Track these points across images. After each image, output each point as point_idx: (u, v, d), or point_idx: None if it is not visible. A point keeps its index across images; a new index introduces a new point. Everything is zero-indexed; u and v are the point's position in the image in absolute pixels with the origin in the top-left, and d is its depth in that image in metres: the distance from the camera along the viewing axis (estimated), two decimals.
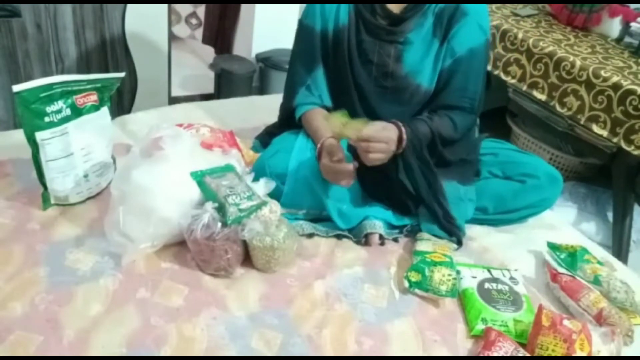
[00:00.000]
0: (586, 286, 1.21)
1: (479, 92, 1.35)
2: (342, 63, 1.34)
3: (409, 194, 1.33)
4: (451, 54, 1.30)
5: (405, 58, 1.31)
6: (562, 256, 1.32)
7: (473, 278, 1.22)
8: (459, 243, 1.34)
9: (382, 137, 1.17)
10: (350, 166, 1.18)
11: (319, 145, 1.27)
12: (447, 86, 1.32)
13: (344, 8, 1.31)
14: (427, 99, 1.35)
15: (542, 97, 2.07)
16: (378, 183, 1.34)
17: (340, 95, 1.37)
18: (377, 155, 1.16)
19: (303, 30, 1.37)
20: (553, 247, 1.36)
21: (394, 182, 1.31)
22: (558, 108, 2.01)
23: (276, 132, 1.48)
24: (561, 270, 1.27)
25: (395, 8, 1.29)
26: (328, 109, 1.38)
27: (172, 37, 2.29)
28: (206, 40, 3.00)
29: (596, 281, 1.23)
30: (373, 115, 1.32)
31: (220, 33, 2.91)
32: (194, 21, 3.07)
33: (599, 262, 1.31)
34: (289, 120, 1.43)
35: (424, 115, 1.32)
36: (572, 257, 1.30)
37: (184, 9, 3.05)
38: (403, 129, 1.22)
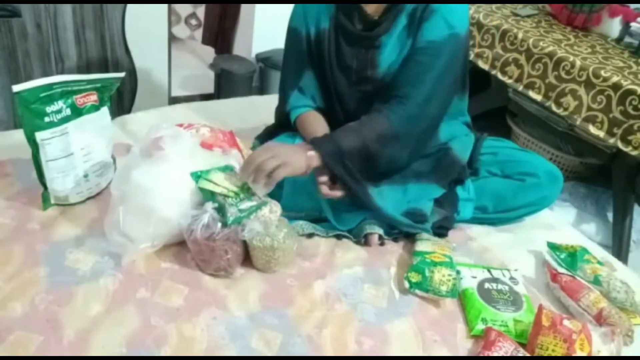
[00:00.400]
0: (586, 286, 1.21)
1: (432, 87, 1.25)
2: (323, 67, 1.34)
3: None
4: (411, 45, 1.27)
5: (380, 61, 1.30)
6: (562, 256, 1.32)
7: (473, 278, 1.22)
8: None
9: (257, 154, 1.14)
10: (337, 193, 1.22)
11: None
12: (399, 75, 1.28)
13: (324, 12, 1.31)
14: None
15: (538, 97, 2.07)
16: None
17: (326, 98, 1.38)
18: (278, 171, 1.12)
19: (290, 33, 1.37)
20: (553, 247, 1.36)
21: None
22: (554, 108, 2.01)
23: (275, 133, 1.48)
24: (561, 270, 1.27)
25: (372, 12, 1.28)
26: (322, 111, 1.38)
27: (171, 38, 2.29)
28: (206, 40, 3.00)
29: (596, 281, 1.23)
30: (353, 118, 1.30)
31: (220, 33, 2.91)
32: (193, 22, 3.07)
33: (599, 262, 1.31)
34: (285, 123, 1.44)
35: (353, 123, 1.26)
36: (572, 257, 1.30)
37: (184, 9, 3.05)
38: (311, 145, 1.19)
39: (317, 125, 1.34)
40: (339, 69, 1.33)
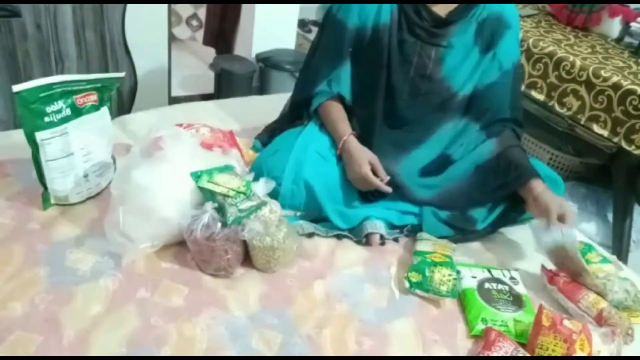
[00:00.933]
0: (585, 287, 1.21)
1: (520, 102, 1.39)
2: (378, 62, 1.32)
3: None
4: (499, 67, 1.32)
5: (445, 61, 1.31)
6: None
7: (473, 278, 1.22)
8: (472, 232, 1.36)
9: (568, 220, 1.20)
10: (390, 189, 1.25)
11: (340, 144, 1.30)
12: (498, 100, 1.34)
13: (386, 7, 1.30)
14: (455, 104, 1.35)
15: (541, 97, 2.07)
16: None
17: (365, 93, 1.36)
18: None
19: (333, 24, 1.35)
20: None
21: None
22: (557, 108, 2.01)
23: (276, 129, 1.47)
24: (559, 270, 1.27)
25: (441, 11, 1.29)
26: (346, 107, 1.38)
27: (172, 38, 2.29)
28: (207, 41, 3.00)
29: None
30: (394, 115, 1.34)
31: (221, 34, 2.91)
32: (194, 23, 3.07)
33: (604, 260, 1.29)
34: (298, 113, 1.43)
35: (514, 144, 1.33)
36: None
37: (185, 10, 3.05)
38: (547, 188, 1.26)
39: (342, 116, 1.35)
40: (399, 62, 1.32)
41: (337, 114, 1.34)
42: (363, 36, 1.33)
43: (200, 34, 3.06)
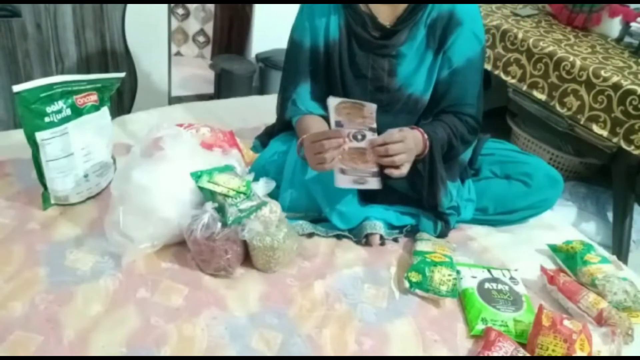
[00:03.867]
0: (585, 287, 1.21)
1: (477, 98, 1.34)
2: (334, 78, 1.32)
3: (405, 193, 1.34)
4: (448, 64, 1.29)
5: (398, 71, 1.30)
6: (562, 258, 1.32)
7: (473, 278, 1.22)
8: (446, 225, 1.35)
9: (395, 137, 1.15)
10: (337, 132, 1.13)
11: (299, 142, 1.25)
12: (446, 96, 1.32)
13: (334, 22, 1.29)
14: (419, 108, 1.34)
15: (542, 97, 2.07)
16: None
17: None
18: (400, 156, 1.14)
19: (291, 44, 1.36)
20: (554, 248, 1.36)
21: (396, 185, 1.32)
22: (558, 108, 2.01)
23: (275, 133, 1.48)
24: (559, 271, 1.27)
25: (386, 20, 1.27)
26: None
27: (177, 55, 2.25)
28: (215, 56, 2.96)
29: (593, 284, 1.22)
30: None
31: (229, 47, 2.88)
32: (201, 39, 3.01)
33: (603, 260, 1.28)
34: (286, 126, 1.43)
35: (438, 119, 1.31)
36: (572, 258, 1.29)
37: (191, 27, 2.99)
38: (424, 132, 1.22)
39: (315, 123, 1.31)
40: (353, 77, 1.31)
41: (305, 124, 1.30)
42: (318, 54, 1.32)
43: (207, 50, 3.00)
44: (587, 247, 1.32)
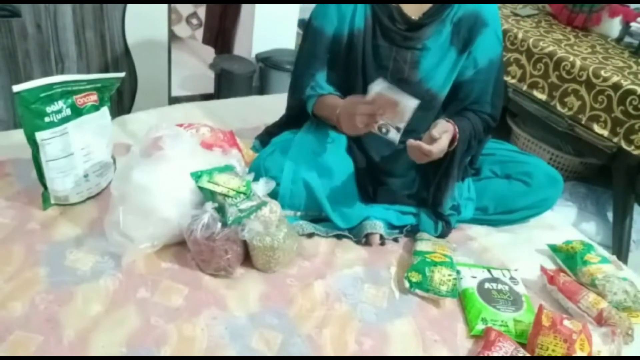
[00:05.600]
0: (585, 287, 1.21)
1: (498, 99, 1.38)
2: (354, 68, 1.32)
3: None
4: (474, 65, 1.32)
5: (421, 64, 1.31)
6: (562, 258, 1.32)
7: (473, 278, 1.22)
8: (447, 225, 1.36)
9: (442, 143, 1.17)
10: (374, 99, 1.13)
11: (337, 111, 1.24)
12: (469, 96, 1.34)
13: (360, 12, 1.29)
14: (435, 104, 1.35)
15: (543, 97, 2.07)
16: (378, 183, 1.34)
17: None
18: (437, 154, 1.16)
19: (311, 31, 1.35)
20: (554, 248, 1.36)
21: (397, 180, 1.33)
22: (559, 108, 2.01)
23: (276, 132, 1.48)
24: (559, 271, 1.27)
25: (413, 14, 1.28)
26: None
27: (172, 37, 2.28)
28: (206, 40, 2.99)
29: (593, 284, 1.22)
30: None
31: (220, 33, 2.90)
32: (194, 21, 3.06)
33: (603, 260, 1.28)
34: (295, 119, 1.43)
35: (463, 115, 1.32)
36: (572, 258, 1.30)
37: (185, 9, 3.05)
38: (456, 127, 1.24)
39: (337, 100, 1.30)
40: (375, 68, 1.31)
41: (330, 101, 1.30)
42: (340, 42, 1.32)
43: (200, 33, 3.05)
44: (587, 247, 1.32)
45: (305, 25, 1.39)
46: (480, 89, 1.34)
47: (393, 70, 1.31)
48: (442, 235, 1.36)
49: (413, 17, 1.28)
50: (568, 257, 1.31)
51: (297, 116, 1.44)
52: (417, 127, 1.28)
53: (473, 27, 1.29)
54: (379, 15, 1.28)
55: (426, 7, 1.28)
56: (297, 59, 1.42)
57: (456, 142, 1.25)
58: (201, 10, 3.01)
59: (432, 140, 1.15)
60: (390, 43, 1.30)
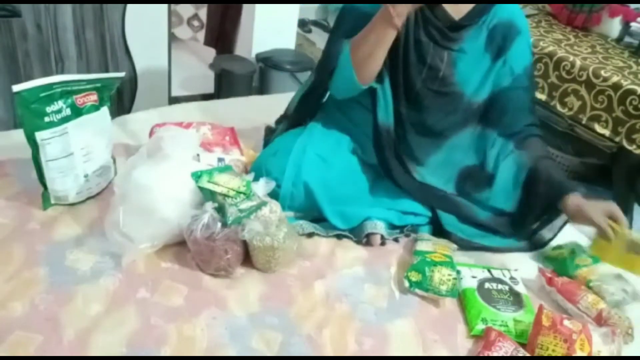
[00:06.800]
0: (583, 287, 1.21)
1: (535, 106, 1.40)
2: (396, 56, 1.29)
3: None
4: (510, 72, 1.32)
5: (458, 66, 1.31)
6: (556, 267, 1.31)
7: (473, 278, 1.22)
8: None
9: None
10: None
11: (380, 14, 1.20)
12: (515, 105, 1.35)
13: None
14: (467, 110, 1.35)
15: (543, 97, 2.07)
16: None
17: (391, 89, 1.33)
18: None
19: (354, 12, 1.30)
20: (548, 259, 1.35)
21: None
22: (559, 108, 2.01)
23: (276, 129, 1.47)
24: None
25: (453, 12, 1.28)
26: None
27: (172, 39, 2.28)
28: (208, 42, 2.99)
29: (589, 287, 1.22)
30: (415, 116, 1.34)
31: (222, 35, 2.90)
32: (196, 23, 3.06)
33: (595, 260, 1.27)
34: (314, 103, 1.42)
35: (545, 156, 1.35)
36: (563, 264, 1.29)
37: (186, 10, 3.04)
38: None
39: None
40: (416, 59, 1.30)
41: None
42: None
43: (201, 35, 3.05)
44: (576, 250, 1.31)
45: (343, 8, 1.35)
46: (519, 98, 1.35)
47: (430, 67, 1.31)
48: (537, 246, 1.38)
49: (454, 16, 1.28)
50: (560, 264, 1.30)
51: (305, 112, 1.43)
52: (444, 129, 1.28)
53: (507, 34, 1.30)
54: (424, 10, 1.27)
55: (466, 9, 1.28)
56: (330, 40, 1.37)
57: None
58: (202, 12, 3.01)
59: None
60: (429, 39, 1.29)
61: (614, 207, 1.25)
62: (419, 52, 1.30)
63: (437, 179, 1.40)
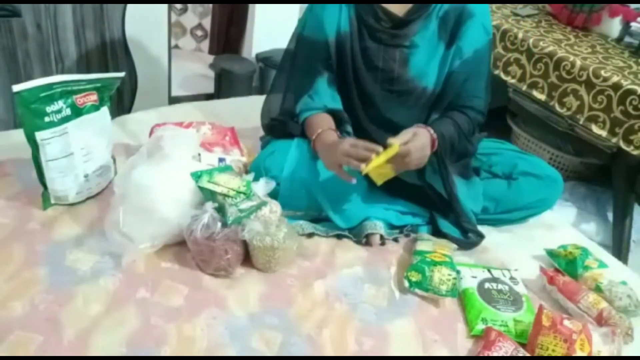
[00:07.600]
0: (584, 287, 1.21)
1: (485, 91, 1.36)
2: (345, 70, 1.32)
3: (425, 195, 1.36)
4: (459, 55, 1.30)
5: (411, 62, 1.30)
6: (562, 264, 1.31)
7: (473, 278, 1.22)
8: (479, 236, 1.36)
9: (418, 146, 1.16)
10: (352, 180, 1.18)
11: (314, 136, 1.26)
12: (456, 88, 1.32)
13: (344, 14, 1.29)
14: (432, 101, 1.34)
15: (542, 97, 2.07)
16: (395, 188, 1.34)
17: (345, 101, 1.35)
18: (417, 162, 1.18)
19: (302, 42, 1.35)
20: (552, 254, 1.35)
21: (413, 186, 1.34)
22: (558, 108, 2.01)
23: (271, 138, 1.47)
24: (558, 271, 1.27)
25: (398, 12, 1.28)
26: (334, 114, 1.34)
27: (176, 48, 2.26)
28: (213, 51, 2.97)
29: (598, 289, 1.21)
30: (379, 119, 1.33)
31: (228, 41, 2.89)
32: (199, 33, 3.03)
33: (601, 265, 1.29)
34: (280, 127, 1.41)
35: (446, 115, 1.32)
36: (572, 264, 1.29)
37: (189, 21, 3.01)
38: (434, 134, 1.23)
39: (325, 122, 1.30)
40: (365, 69, 1.31)
41: (318, 121, 1.30)
42: (329, 47, 1.31)
43: (205, 44, 3.02)
44: (585, 252, 1.31)
45: (296, 40, 1.37)
46: (466, 81, 1.32)
47: (383, 70, 1.31)
48: (471, 245, 1.36)
49: (398, 15, 1.28)
50: (568, 263, 1.30)
51: (282, 130, 1.41)
52: (408, 125, 1.28)
53: (459, 18, 1.28)
54: (363, 16, 1.28)
55: (409, 5, 1.27)
56: (290, 71, 1.39)
57: (436, 147, 1.23)
58: (205, 21, 2.99)
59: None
60: (378, 43, 1.30)
61: (411, 130, 1.20)
62: (368, 59, 1.30)
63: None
